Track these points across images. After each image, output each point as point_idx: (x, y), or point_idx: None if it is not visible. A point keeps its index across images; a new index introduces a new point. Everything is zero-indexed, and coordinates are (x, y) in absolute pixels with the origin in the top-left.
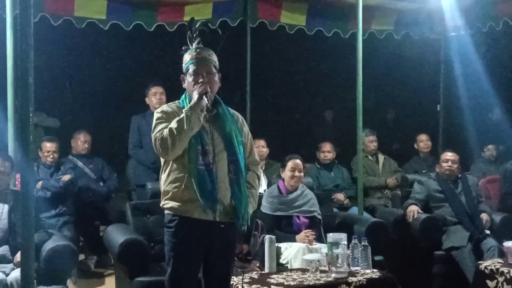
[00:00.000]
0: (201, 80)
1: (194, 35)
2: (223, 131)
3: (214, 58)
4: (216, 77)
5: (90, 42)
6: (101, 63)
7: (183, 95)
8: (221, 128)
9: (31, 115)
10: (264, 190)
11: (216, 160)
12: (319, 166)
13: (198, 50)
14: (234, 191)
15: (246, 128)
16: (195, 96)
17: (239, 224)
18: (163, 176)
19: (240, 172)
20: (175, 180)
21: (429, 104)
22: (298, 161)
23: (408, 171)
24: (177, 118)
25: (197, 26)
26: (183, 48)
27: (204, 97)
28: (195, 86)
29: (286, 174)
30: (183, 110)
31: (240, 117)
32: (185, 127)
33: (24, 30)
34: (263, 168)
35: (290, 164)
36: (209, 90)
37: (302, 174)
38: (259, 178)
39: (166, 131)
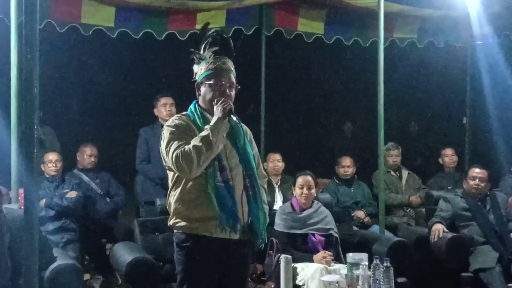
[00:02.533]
0: (224, 92)
1: (208, 41)
2: (238, 145)
3: (234, 70)
4: (235, 91)
5: (97, 50)
6: (108, 72)
7: (192, 106)
8: (234, 141)
9: (35, 127)
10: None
11: (232, 175)
12: (338, 182)
13: (223, 59)
14: (252, 207)
15: (253, 141)
16: (219, 113)
17: (257, 242)
18: (173, 194)
19: (256, 187)
20: (189, 198)
21: (454, 116)
22: (307, 177)
23: (432, 188)
24: (201, 136)
25: (210, 33)
26: (191, 50)
27: (232, 115)
28: (216, 101)
29: (296, 191)
30: (208, 127)
31: (247, 129)
32: (213, 145)
33: (29, 38)
34: (278, 183)
35: (299, 181)
36: (233, 106)
37: (312, 191)
38: (266, 192)
39: (189, 148)
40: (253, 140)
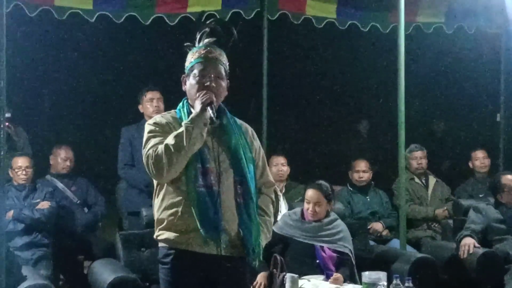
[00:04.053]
0: (207, 83)
1: (204, 32)
2: (228, 146)
3: (225, 60)
4: (225, 83)
5: (73, 37)
6: (86, 62)
7: (181, 103)
8: (225, 142)
9: (2, 126)
10: None
11: (220, 180)
12: (352, 189)
13: (208, 48)
14: (242, 218)
15: (257, 143)
16: (198, 106)
17: (249, 258)
18: (156, 201)
19: (249, 196)
20: (170, 205)
21: (487, 113)
22: (315, 192)
23: (461, 196)
24: (175, 133)
25: (208, 22)
26: (185, 44)
27: (208, 108)
28: (198, 94)
29: (304, 204)
30: (183, 123)
31: (250, 129)
32: (185, 144)
33: None
34: (283, 190)
35: (307, 194)
36: (214, 99)
37: (321, 208)
38: (273, 203)
39: (161, 148)
40: (256, 140)
